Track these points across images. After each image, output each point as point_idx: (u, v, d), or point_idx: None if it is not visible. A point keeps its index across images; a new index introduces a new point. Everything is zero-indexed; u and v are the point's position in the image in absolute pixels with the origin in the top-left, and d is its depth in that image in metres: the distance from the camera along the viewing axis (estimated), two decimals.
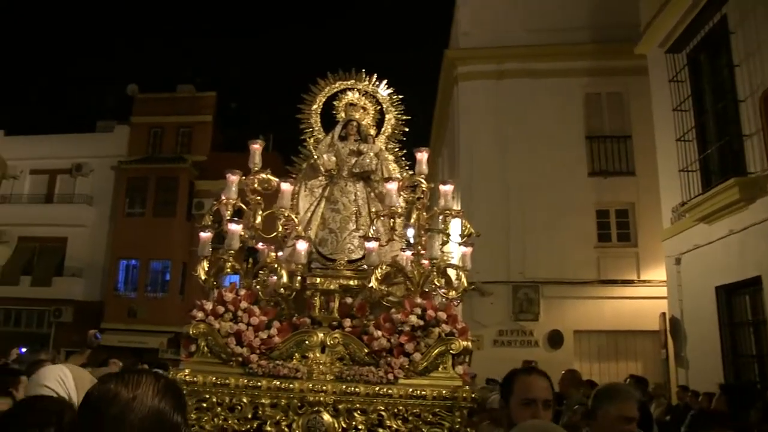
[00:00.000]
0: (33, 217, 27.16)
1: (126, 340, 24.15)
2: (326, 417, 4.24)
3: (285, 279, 4.74)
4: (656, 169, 13.34)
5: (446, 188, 4.94)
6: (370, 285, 4.60)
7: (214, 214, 5.10)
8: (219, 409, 4.33)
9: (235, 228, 4.86)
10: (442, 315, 4.46)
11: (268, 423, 4.28)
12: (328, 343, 4.50)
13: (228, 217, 4.95)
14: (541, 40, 15.93)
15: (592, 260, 15.22)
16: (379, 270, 4.64)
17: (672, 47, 12.28)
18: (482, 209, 14.87)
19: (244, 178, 5.14)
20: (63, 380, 2.85)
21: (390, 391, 4.26)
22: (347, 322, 4.65)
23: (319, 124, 5.89)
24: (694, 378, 11.27)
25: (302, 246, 4.78)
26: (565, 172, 15.46)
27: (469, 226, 5.04)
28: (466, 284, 4.84)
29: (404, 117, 5.88)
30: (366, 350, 4.46)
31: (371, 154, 5.58)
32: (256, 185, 5.16)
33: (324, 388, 4.28)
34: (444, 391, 4.25)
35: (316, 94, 5.85)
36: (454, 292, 4.80)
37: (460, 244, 5.09)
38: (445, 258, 4.95)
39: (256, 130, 26.45)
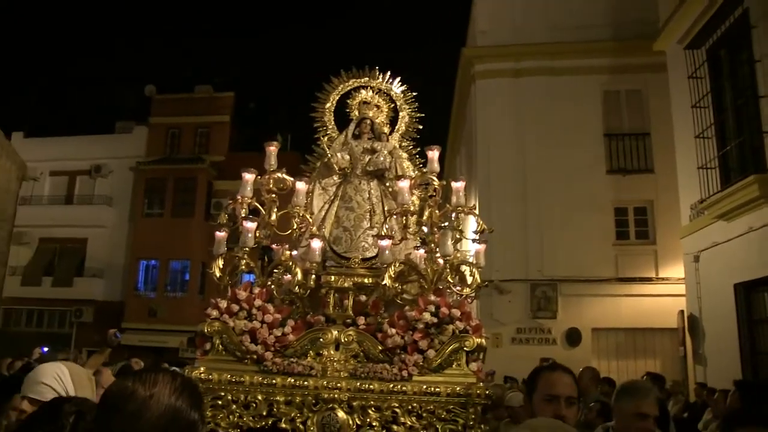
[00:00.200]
0: (53, 218, 27.35)
1: (146, 339, 24.35)
2: (341, 414, 4.25)
3: (300, 277, 4.76)
4: (675, 167, 13.22)
5: (458, 185, 4.91)
6: (384, 283, 4.59)
7: (230, 213, 5.13)
8: (234, 406, 4.36)
9: (250, 225, 4.87)
10: (456, 312, 4.45)
11: (282, 420, 4.30)
12: (343, 341, 4.50)
13: (243, 216, 4.97)
14: (558, 37, 15.87)
15: (610, 258, 15.15)
16: (393, 268, 4.63)
17: (691, 43, 12.15)
18: (500, 207, 14.91)
19: (259, 177, 5.16)
20: (60, 377, 2.84)
21: (404, 388, 4.26)
22: (361, 320, 4.67)
23: (333, 123, 5.88)
24: (712, 375, 11.20)
25: (317, 244, 4.78)
26: (583, 169, 15.39)
27: (481, 222, 5.02)
28: (479, 281, 4.83)
29: (418, 115, 5.86)
30: (380, 347, 4.46)
31: (385, 152, 5.57)
32: (271, 185, 5.17)
33: (338, 385, 4.30)
34: (458, 388, 4.24)
35: (330, 93, 5.84)
36: (467, 289, 4.80)
37: (473, 241, 5.08)
38: (459, 255, 4.93)
39: (275, 130, 26.73)
